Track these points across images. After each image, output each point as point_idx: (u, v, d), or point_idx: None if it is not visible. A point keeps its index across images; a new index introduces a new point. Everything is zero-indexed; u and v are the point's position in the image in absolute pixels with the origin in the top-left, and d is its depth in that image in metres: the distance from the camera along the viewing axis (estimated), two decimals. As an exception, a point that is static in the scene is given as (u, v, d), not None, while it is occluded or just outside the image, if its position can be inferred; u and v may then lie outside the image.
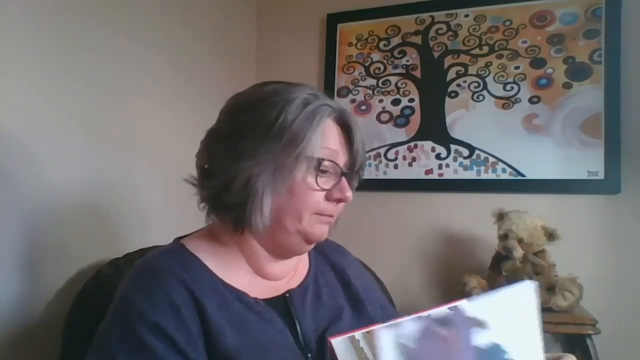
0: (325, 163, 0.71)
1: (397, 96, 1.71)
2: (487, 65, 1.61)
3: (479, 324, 0.63)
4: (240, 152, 0.69)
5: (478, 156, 1.59)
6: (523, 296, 0.68)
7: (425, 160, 1.65)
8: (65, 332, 0.93)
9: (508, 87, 1.58)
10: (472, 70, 1.62)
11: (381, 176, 1.70)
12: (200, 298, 0.66)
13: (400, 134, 1.69)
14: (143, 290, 0.65)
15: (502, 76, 1.59)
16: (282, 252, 0.76)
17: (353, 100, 1.76)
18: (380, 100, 1.73)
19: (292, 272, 0.80)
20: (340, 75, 1.79)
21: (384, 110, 1.72)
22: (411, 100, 1.69)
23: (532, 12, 1.57)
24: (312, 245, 0.78)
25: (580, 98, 1.49)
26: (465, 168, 1.60)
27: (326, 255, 0.88)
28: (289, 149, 0.68)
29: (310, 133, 0.69)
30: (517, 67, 1.57)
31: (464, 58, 1.64)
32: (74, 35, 1.07)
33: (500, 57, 1.59)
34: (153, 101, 1.30)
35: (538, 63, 1.55)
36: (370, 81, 1.75)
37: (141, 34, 1.28)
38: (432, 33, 1.69)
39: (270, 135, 0.69)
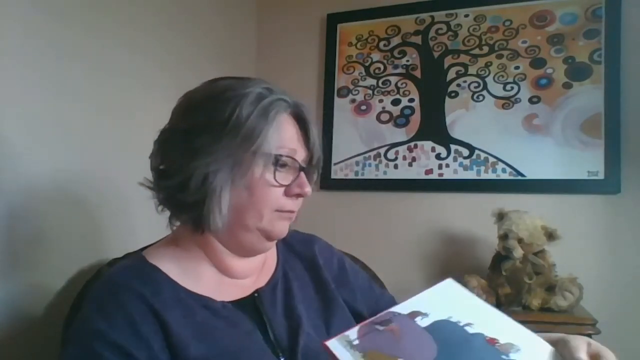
0: (284, 158, 0.70)
1: (397, 96, 1.71)
2: (487, 65, 1.61)
3: (419, 313, 0.70)
4: (196, 150, 0.68)
5: (478, 156, 1.59)
6: (448, 288, 0.76)
7: (425, 160, 1.65)
8: (65, 332, 0.93)
9: (508, 87, 1.58)
10: (472, 70, 1.62)
11: (381, 176, 1.70)
12: (162, 312, 0.65)
13: (400, 134, 1.69)
14: (101, 309, 0.65)
15: (502, 76, 1.59)
16: (244, 250, 0.75)
17: (353, 100, 1.76)
18: (380, 100, 1.73)
19: (259, 269, 0.79)
20: (340, 75, 1.79)
21: (384, 110, 1.72)
22: (411, 100, 1.69)
23: (532, 12, 1.57)
24: (274, 243, 0.78)
25: (580, 98, 1.49)
26: (465, 168, 1.60)
27: (293, 248, 0.87)
28: (245, 145, 0.67)
29: (266, 128, 0.68)
30: (517, 67, 1.57)
31: (464, 58, 1.64)
32: (57, 34, 1.07)
33: (500, 57, 1.59)
34: (151, 101, 1.30)
35: (538, 63, 1.55)
36: (370, 81, 1.75)
37: (140, 33, 1.28)
38: (432, 33, 1.69)
39: (226, 132, 0.68)
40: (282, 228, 0.74)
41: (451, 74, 1.65)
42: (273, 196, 0.71)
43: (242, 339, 0.68)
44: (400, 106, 1.70)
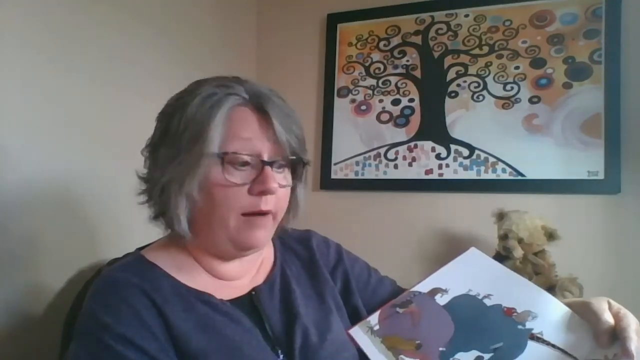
0: (233, 156, 0.66)
1: (397, 96, 1.71)
2: (487, 65, 1.61)
3: (439, 290, 0.71)
4: (156, 162, 0.70)
5: (478, 156, 1.59)
6: (470, 258, 0.76)
7: (425, 160, 1.65)
8: (65, 332, 0.93)
9: (508, 87, 1.58)
10: (472, 70, 1.62)
11: (381, 176, 1.70)
12: (163, 305, 0.65)
13: (400, 134, 1.69)
14: (104, 305, 0.64)
15: (502, 76, 1.59)
16: (227, 256, 0.73)
17: (353, 100, 1.76)
18: (380, 100, 1.73)
19: (254, 268, 0.78)
20: (340, 75, 1.79)
21: (384, 110, 1.72)
22: (411, 100, 1.69)
23: (532, 12, 1.57)
24: (254, 251, 0.73)
25: (580, 98, 1.49)
26: (465, 168, 1.60)
27: (290, 246, 0.85)
28: (191, 148, 0.65)
29: (210, 128, 0.65)
30: (517, 67, 1.57)
31: (464, 58, 1.64)
32: (63, 29, 1.07)
33: (500, 57, 1.59)
34: (150, 101, 1.30)
35: (538, 63, 1.55)
36: (370, 81, 1.75)
37: (139, 33, 1.28)
38: (432, 33, 1.69)
39: (176, 140, 0.67)
40: (254, 240, 0.69)
41: (451, 74, 1.65)
42: (233, 197, 0.67)
43: (242, 334, 0.68)
44: (400, 106, 1.70)
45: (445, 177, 1.62)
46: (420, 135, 1.67)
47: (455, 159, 1.62)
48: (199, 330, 0.65)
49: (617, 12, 1.47)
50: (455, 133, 1.63)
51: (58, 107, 1.04)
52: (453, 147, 1.62)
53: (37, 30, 0.99)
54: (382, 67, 1.74)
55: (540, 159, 1.52)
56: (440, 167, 1.63)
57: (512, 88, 1.57)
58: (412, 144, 1.67)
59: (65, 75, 1.06)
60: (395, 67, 1.72)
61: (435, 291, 0.71)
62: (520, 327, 0.63)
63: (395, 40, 1.73)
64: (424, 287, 0.73)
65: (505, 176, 1.55)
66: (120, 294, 0.65)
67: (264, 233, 0.71)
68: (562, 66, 1.52)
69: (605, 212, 1.46)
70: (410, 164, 1.67)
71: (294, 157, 0.73)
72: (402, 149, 1.68)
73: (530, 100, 1.55)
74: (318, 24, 1.86)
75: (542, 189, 1.51)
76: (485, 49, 1.61)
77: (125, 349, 0.61)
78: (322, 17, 1.84)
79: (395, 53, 1.73)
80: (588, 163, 1.46)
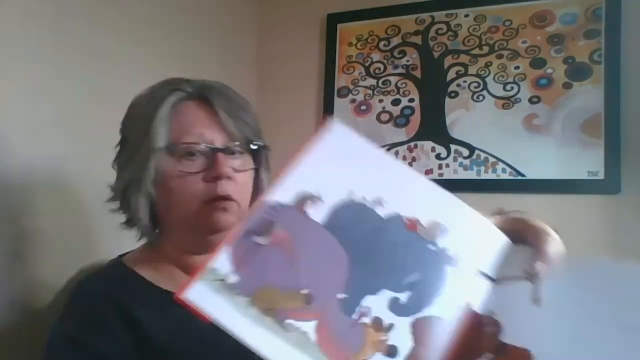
0: (182, 147, 0.68)
1: (397, 96, 1.71)
2: (487, 65, 1.61)
3: (309, 197, 0.48)
4: (119, 167, 0.74)
5: (478, 156, 1.59)
6: (336, 137, 0.53)
7: (425, 160, 1.65)
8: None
9: (508, 87, 1.58)
10: (472, 70, 1.62)
11: (381, 176, 1.69)
12: (136, 311, 0.66)
13: (400, 134, 1.69)
14: (73, 314, 0.67)
15: (502, 76, 1.59)
16: (198, 248, 0.73)
17: (353, 100, 1.76)
18: (380, 100, 1.73)
19: None
20: (340, 76, 1.79)
21: (384, 110, 1.72)
22: (411, 100, 1.69)
23: (532, 12, 1.57)
24: (220, 235, 0.72)
25: (580, 98, 1.49)
26: (465, 168, 1.60)
27: None
28: (140, 147, 0.68)
29: (155, 123, 0.68)
30: (517, 67, 1.57)
31: (464, 58, 1.64)
32: (59, 27, 1.07)
33: (500, 57, 1.59)
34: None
35: (538, 63, 1.55)
36: (370, 81, 1.75)
37: (139, 32, 1.28)
38: (432, 33, 1.69)
39: (128, 142, 0.71)
40: (217, 219, 0.70)
41: (451, 74, 1.65)
42: (190, 186, 0.68)
43: (218, 333, 0.69)
44: (400, 106, 1.70)
45: (445, 177, 1.62)
46: (420, 135, 1.67)
47: (455, 159, 1.62)
48: (176, 332, 0.66)
49: (617, 12, 1.47)
50: (455, 133, 1.62)
51: (58, 106, 1.04)
52: (453, 147, 1.62)
53: (34, 26, 0.99)
54: (382, 67, 1.74)
55: (540, 159, 1.52)
56: (440, 167, 1.63)
57: (512, 88, 1.57)
58: (412, 144, 1.67)
59: (70, 72, 1.06)
60: (395, 67, 1.72)
61: (303, 200, 0.47)
62: (431, 247, 0.49)
63: (395, 40, 1.73)
64: (284, 193, 0.48)
65: (505, 176, 1.55)
66: (89, 302, 0.68)
67: (227, 215, 0.70)
68: (562, 66, 1.52)
69: (605, 212, 1.46)
70: (410, 164, 1.67)
71: (250, 144, 0.74)
72: (402, 149, 1.68)
73: (530, 100, 1.55)
74: (318, 24, 1.86)
75: (542, 189, 1.51)
76: (485, 49, 1.61)
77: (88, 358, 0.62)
78: (322, 17, 1.84)
79: (395, 53, 1.73)
80: (588, 163, 1.46)
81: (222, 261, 0.42)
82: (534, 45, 1.56)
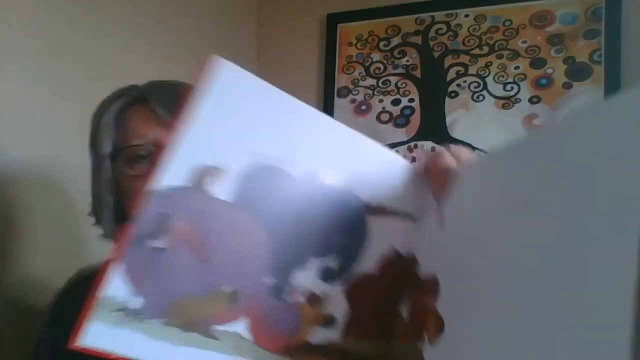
0: (128, 150, 0.68)
1: (397, 96, 1.71)
2: (487, 65, 1.61)
3: (207, 172, 0.39)
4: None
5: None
6: (225, 80, 0.40)
7: (425, 160, 1.65)
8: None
9: (508, 87, 1.58)
10: (472, 70, 1.62)
11: (381, 176, 1.69)
12: None
13: (400, 134, 1.69)
14: (56, 322, 0.69)
15: (502, 76, 1.59)
16: None
17: (353, 100, 1.76)
18: (380, 100, 1.73)
19: None
20: (340, 76, 1.79)
21: (384, 110, 1.72)
22: (411, 100, 1.69)
23: (532, 12, 1.57)
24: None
25: (581, 98, 1.49)
26: (465, 168, 1.60)
27: None
28: (92, 155, 0.71)
29: (100, 129, 0.70)
30: (517, 67, 1.57)
31: (464, 58, 1.64)
32: (54, 30, 1.07)
33: (500, 57, 1.59)
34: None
35: (538, 63, 1.55)
36: (370, 81, 1.75)
37: (138, 32, 1.28)
38: (432, 33, 1.69)
39: (90, 153, 0.73)
40: None
41: (451, 74, 1.65)
42: (142, 187, 0.70)
43: None
44: (400, 106, 1.70)
45: (445, 177, 1.62)
46: (421, 135, 1.67)
47: (455, 159, 1.61)
48: None
49: (617, 12, 1.47)
50: (455, 133, 1.62)
51: (50, 105, 1.04)
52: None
53: (38, 19, 0.99)
54: (382, 67, 1.74)
55: (540, 159, 1.52)
56: (440, 167, 1.63)
57: (512, 88, 1.57)
58: (412, 144, 1.67)
59: (65, 72, 1.06)
60: (395, 67, 1.72)
61: (201, 176, 0.38)
62: (348, 198, 0.43)
63: (395, 40, 1.73)
64: (174, 173, 0.37)
65: (505, 176, 1.55)
66: (68, 304, 0.68)
67: None
68: (562, 66, 1.52)
69: (605, 212, 1.46)
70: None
71: None
72: (402, 149, 1.68)
73: (530, 100, 1.55)
74: (318, 24, 1.86)
75: (542, 189, 1.51)
76: (485, 49, 1.61)
77: None
78: (322, 17, 1.84)
79: (395, 53, 1.73)
80: (588, 163, 1.46)
81: (115, 285, 0.34)
82: (534, 45, 1.56)
